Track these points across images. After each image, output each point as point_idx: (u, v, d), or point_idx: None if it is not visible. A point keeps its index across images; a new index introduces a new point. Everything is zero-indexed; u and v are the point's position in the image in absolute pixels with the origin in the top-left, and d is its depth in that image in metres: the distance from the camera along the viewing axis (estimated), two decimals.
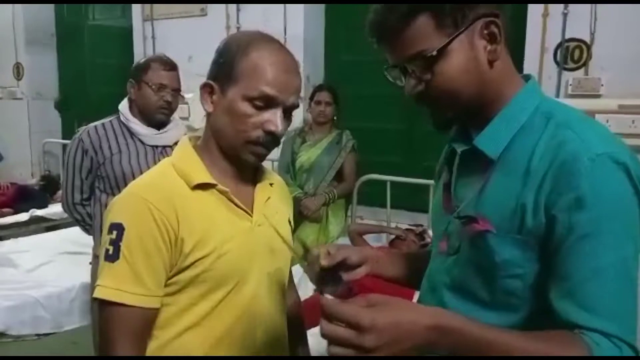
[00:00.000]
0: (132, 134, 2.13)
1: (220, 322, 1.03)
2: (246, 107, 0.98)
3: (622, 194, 0.76)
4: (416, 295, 1.06)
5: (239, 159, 1.04)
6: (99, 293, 0.95)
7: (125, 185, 2.06)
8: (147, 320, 0.99)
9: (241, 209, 1.05)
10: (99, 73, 4.54)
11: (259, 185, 1.11)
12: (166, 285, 0.99)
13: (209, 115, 1.05)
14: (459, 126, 0.94)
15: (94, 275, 2.17)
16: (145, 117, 2.13)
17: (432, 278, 0.97)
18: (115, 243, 0.95)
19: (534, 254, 0.80)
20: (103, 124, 2.14)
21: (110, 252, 0.95)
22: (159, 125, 2.17)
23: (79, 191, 2.16)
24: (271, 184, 1.15)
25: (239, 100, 0.99)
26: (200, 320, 1.02)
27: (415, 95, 0.86)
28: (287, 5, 3.19)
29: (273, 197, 1.13)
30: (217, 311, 1.03)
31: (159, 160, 2.07)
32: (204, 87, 1.03)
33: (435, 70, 0.83)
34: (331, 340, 0.67)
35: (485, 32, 0.83)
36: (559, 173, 0.76)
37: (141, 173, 2.00)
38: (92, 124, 2.15)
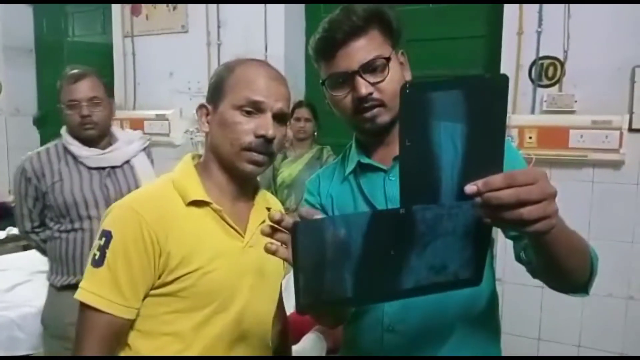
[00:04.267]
0: (75, 157, 2.01)
1: (201, 341, 1.04)
2: (236, 116, 1.03)
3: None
4: None
5: (237, 172, 1.06)
6: (78, 295, 1.00)
7: (76, 213, 1.96)
8: (119, 329, 1.01)
9: (233, 228, 1.07)
10: None
11: (255, 208, 1.14)
12: (150, 296, 1.01)
13: (206, 135, 1.10)
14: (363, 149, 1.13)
15: (48, 306, 2.06)
16: (78, 138, 2.01)
17: None
18: (102, 249, 0.99)
19: None
20: (47, 149, 2.04)
21: (97, 257, 0.99)
22: (105, 144, 2.05)
23: (28, 220, 2.06)
24: (268, 208, 1.16)
25: (229, 110, 1.04)
26: (182, 337, 1.03)
27: (365, 98, 1.01)
28: (268, 23, 3.22)
29: (268, 222, 1.15)
30: (200, 330, 1.03)
31: (105, 185, 2.00)
32: (200, 109, 1.10)
33: (386, 73, 1.01)
34: (519, 202, 0.67)
35: (401, 58, 1.08)
36: None
37: (85, 202, 1.95)
38: (36, 150, 2.05)
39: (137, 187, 2.03)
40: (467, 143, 0.70)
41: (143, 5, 3.66)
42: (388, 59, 1.02)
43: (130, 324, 1.02)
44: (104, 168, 2.02)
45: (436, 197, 0.71)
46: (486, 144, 0.70)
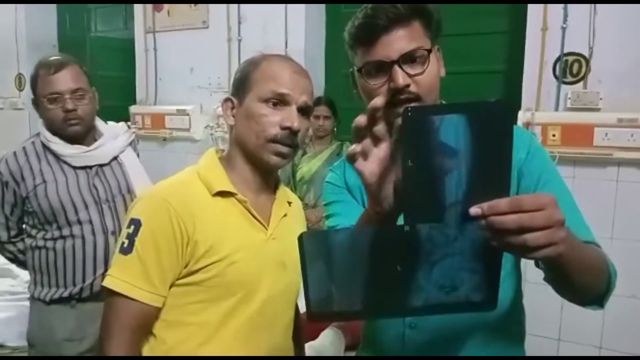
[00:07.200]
0: (57, 156, 1.77)
1: (226, 331, 1.06)
2: (262, 108, 1.05)
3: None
4: None
5: (261, 164, 1.08)
6: (107, 282, 1.01)
7: (65, 219, 1.76)
8: (147, 316, 1.03)
9: (257, 220, 1.09)
10: (100, 85, 4.51)
11: (277, 201, 1.16)
12: (176, 286, 1.03)
13: (231, 128, 1.12)
14: None
15: (35, 323, 1.83)
16: (60, 135, 1.77)
17: None
18: (131, 237, 1.00)
19: None
20: (24, 149, 1.79)
21: (125, 245, 1.01)
22: (89, 140, 1.83)
23: (4, 229, 1.84)
24: (289, 203, 1.18)
25: (255, 103, 1.06)
26: (207, 327, 1.05)
27: (401, 89, 0.96)
28: (288, 19, 3.22)
29: (289, 216, 1.17)
30: (225, 320, 1.05)
31: (94, 185, 1.80)
32: (225, 102, 1.12)
33: (426, 66, 0.98)
34: (522, 229, 0.65)
35: (437, 54, 1.04)
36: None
37: (74, 205, 1.75)
38: (12, 150, 1.80)
39: (127, 185, 1.87)
40: (472, 166, 0.69)
41: None
42: (429, 51, 0.99)
43: (157, 313, 1.04)
44: (90, 167, 1.81)
45: (441, 217, 0.71)
46: (492, 168, 0.69)
